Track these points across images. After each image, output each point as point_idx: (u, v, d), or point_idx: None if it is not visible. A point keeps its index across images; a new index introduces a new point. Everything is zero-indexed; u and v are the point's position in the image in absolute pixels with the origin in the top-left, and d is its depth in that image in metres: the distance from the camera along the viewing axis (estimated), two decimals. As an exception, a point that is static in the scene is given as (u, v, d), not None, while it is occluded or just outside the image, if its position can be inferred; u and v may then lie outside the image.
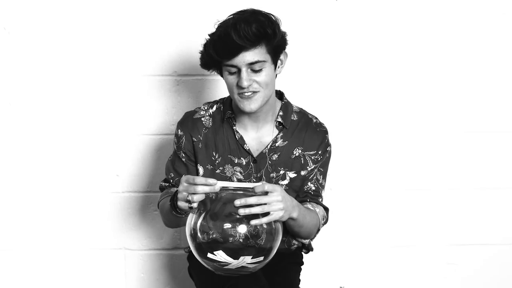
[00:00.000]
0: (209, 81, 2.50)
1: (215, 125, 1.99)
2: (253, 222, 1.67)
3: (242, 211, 1.66)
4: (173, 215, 1.84)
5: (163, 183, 2.08)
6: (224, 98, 2.05)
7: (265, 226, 1.72)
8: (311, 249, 2.15)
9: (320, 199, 2.03)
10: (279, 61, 1.90)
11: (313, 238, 2.04)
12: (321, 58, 2.53)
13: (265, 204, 1.69)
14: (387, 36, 2.53)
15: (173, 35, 2.49)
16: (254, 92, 1.85)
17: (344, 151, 2.54)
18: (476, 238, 2.62)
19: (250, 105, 1.87)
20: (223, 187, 1.70)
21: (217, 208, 1.72)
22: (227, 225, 1.70)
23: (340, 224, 2.57)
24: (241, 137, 1.97)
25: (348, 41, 2.53)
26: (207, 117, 2.00)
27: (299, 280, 2.09)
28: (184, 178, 1.74)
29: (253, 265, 1.71)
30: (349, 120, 2.55)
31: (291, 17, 2.50)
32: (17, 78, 2.49)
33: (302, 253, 2.16)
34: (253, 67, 1.82)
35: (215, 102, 2.05)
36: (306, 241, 2.06)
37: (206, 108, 2.02)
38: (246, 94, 1.85)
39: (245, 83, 1.82)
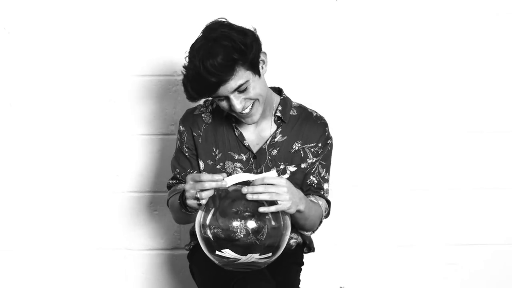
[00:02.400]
0: (209, 81, 2.50)
1: (215, 122, 2.02)
2: (261, 209, 1.69)
3: (250, 196, 1.68)
4: (183, 213, 1.86)
5: (170, 181, 2.10)
6: None
7: (273, 223, 1.73)
8: (313, 249, 2.16)
9: (322, 192, 2.04)
10: (260, 64, 1.86)
11: (315, 230, 2.05)
12: (322, 58, 2.53)
13: (274, 192, 1.70)
14: (388, 36, 2.53)
15: (173, 35, 2.49)
16: (251, 106, 1.87)
17: (344, 151, 2.54)
18: (476, 238, 2.62)
19: (252, 119, 1.90)
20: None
21: (226, 204, 1.74)
22: (236, 221, 1.71)
23: (340, 224, 2.57)
24: (241, 134, 2.00)
25: (349, 41, 2.53)
26: (207, 114, 2.04)
27: (299, 280, 2.09)
28: (189, 176, 1.76)
29: (263, 261, 1.73)
30: (350, 121, 2.55)
31: (291, 17, 2.51)
32: (17, 78, 2.50)
33: (303, 253, 2.17)
34: (239, 89, 1.81)
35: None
36: (308, 233, 2.07)
37: (206, 105, 2.06)
38: (244, 111, 1.86)
39: (238, 108, 1.83)
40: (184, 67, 1.83)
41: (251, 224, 1.70)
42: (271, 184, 1.71)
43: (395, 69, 2.55)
